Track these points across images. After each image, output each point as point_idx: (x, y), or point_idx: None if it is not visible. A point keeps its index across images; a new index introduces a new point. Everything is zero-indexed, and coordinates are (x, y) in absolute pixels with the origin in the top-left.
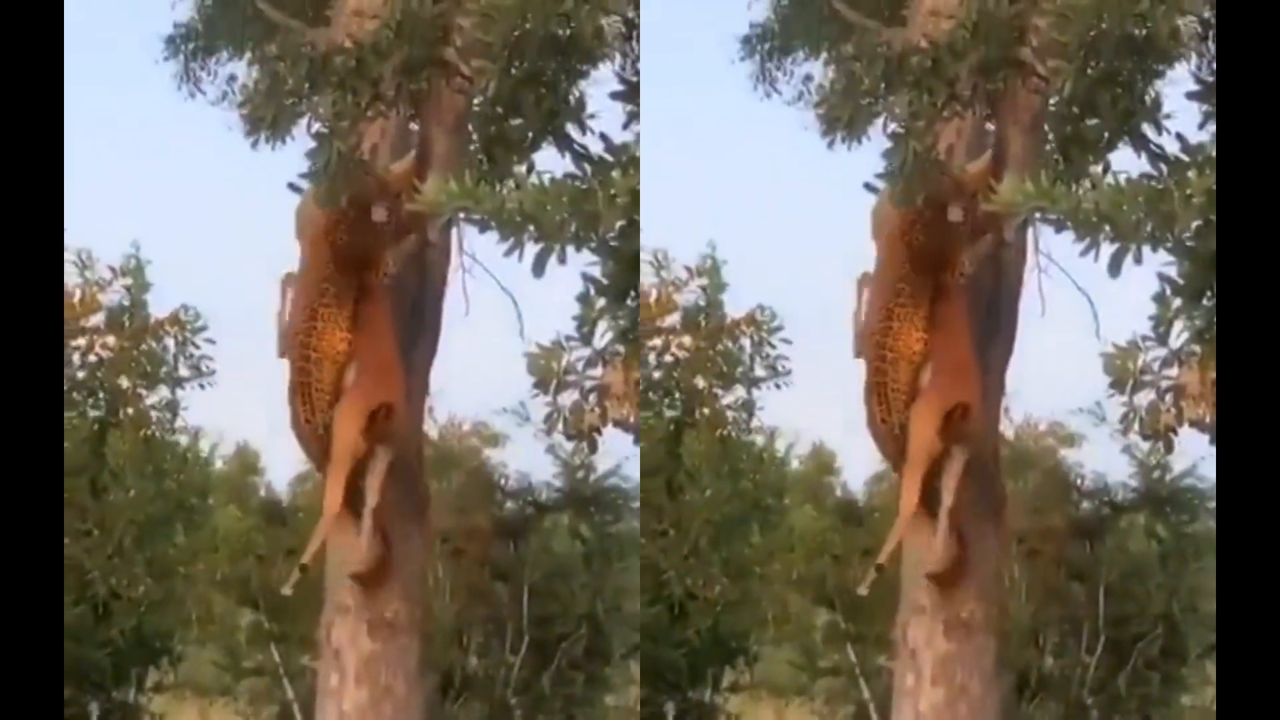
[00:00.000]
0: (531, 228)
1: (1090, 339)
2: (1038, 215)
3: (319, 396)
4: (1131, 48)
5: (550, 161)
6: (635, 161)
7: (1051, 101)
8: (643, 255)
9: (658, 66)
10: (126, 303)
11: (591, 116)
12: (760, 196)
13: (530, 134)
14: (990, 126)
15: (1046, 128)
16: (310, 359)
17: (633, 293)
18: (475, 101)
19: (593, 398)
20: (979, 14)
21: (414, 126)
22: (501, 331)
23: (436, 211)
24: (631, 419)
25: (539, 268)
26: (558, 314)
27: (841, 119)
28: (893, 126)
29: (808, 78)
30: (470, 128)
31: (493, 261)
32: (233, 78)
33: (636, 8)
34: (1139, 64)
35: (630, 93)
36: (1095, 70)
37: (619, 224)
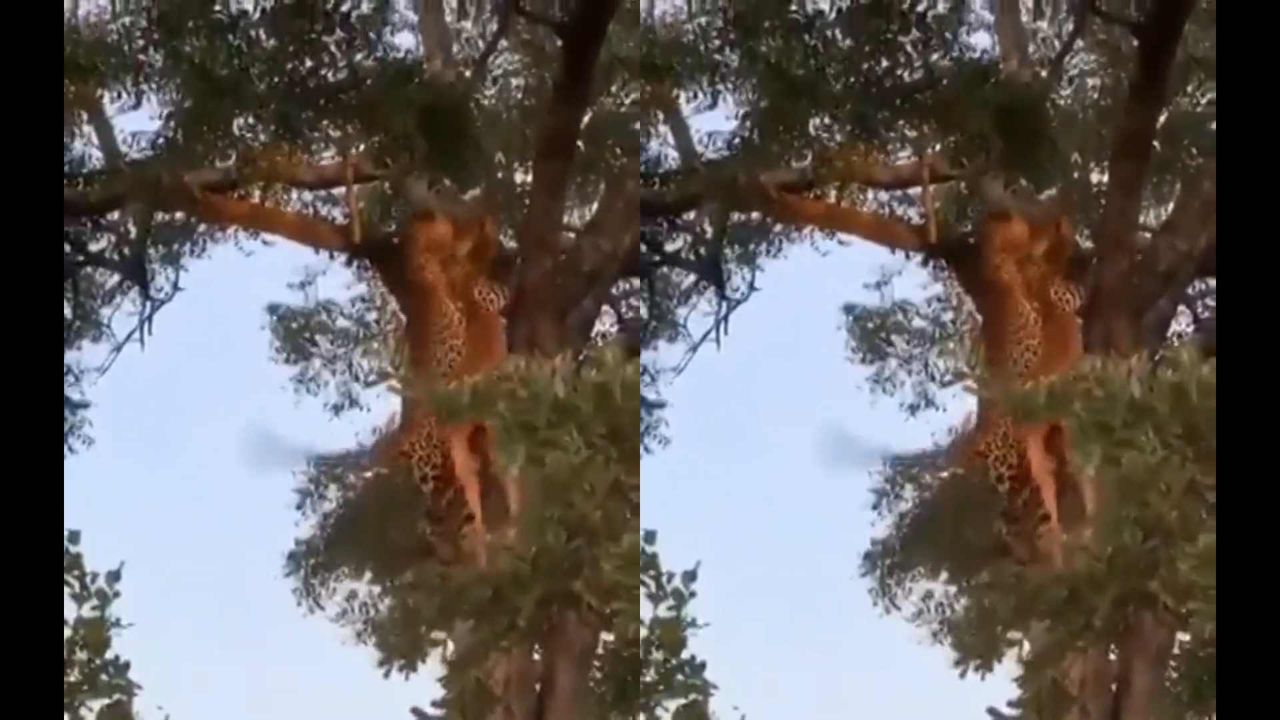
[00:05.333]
0: None
1: None
2: None
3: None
4: None
5: None
6: None
7: (1185, 638)
8: None
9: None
10: None
11: None
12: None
13: None
14: (1113, 657)
15: (1173, 663)
16: None
17: None
18: (605, 637)
19: None
20: (1113, 549)
21: (536, 657)
22: None
23: None
24: None
25: None
26: None
27: (975, 647)
28: (1026, 655)
29: (927, 594)
30: (597, 664)
31: None
32: (352, 594)
33: None
34: None
35: None
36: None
37: None
